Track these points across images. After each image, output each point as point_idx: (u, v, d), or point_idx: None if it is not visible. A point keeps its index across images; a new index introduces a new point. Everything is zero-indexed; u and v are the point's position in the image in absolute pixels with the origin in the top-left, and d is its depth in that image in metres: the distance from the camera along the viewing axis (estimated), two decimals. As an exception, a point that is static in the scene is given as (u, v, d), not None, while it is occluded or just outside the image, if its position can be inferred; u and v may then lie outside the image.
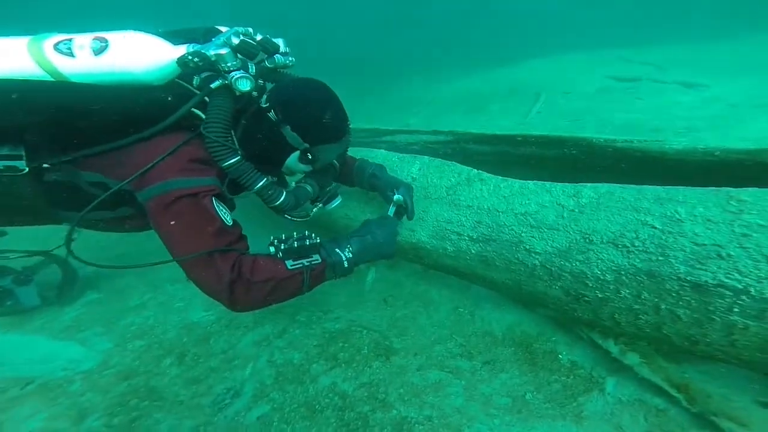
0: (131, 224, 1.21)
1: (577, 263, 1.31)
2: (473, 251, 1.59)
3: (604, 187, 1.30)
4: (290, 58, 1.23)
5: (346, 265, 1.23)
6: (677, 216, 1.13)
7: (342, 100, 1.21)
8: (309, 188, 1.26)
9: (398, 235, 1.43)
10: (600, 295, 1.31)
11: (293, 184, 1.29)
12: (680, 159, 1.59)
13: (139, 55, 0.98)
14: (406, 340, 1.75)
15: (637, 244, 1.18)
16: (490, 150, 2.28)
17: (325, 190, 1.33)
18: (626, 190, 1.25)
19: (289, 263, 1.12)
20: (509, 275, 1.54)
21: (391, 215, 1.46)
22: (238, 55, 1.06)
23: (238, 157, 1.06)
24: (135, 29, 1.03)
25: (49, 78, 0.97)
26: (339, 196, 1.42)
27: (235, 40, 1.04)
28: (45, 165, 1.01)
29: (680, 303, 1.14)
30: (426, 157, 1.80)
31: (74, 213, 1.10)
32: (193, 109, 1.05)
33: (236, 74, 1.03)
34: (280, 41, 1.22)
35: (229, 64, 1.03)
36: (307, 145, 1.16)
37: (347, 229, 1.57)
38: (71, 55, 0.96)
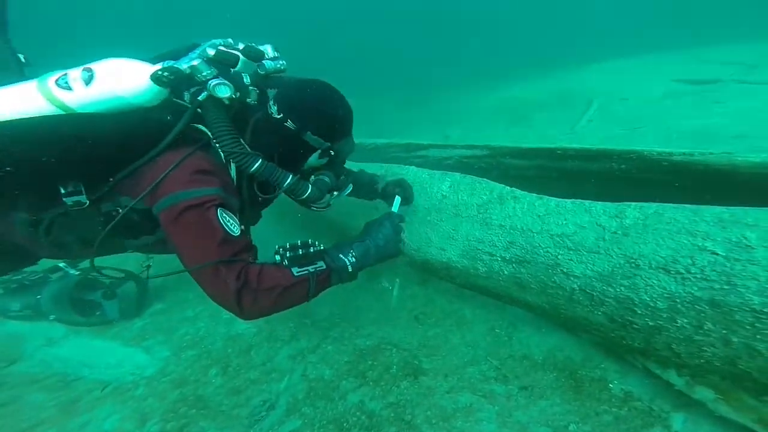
0: (172, 246, 1.28)
1: (622, 288, 1.19)
2: (506, 272, 1.52)
3: (651, 206, 1.18)
4: (281, 62, 1.23)
5: (350, 270, 1.26)
6: (745, 242, 0.99)
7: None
8: (327, 179, 1.31)
9: (402, 230, 1.46)
10: (651, 323, 1.18)
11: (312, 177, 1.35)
12: (756, 174, 1.37)
13: (121, 79, 1.04)
14: (436, 360, 1.70)
15: (693, 271, 1.05)
16: (528, 164, 2.18)
17: (340, 179, 1.38)
18: (679, 210, 1.12)
19: (294, 270, 1.16)
20: (545, 299, 1.45)
21: (395, 211, 1.52)
22: (215, 65, 1.08)
23: (261, 160, 1.11)
24: (130, 56, 1.10)
25: (61, 113, 1.04)
26: (350, 184, 1.48)
27: (211, 51, 1.08)
28: (96, 196, 1.09)
29: (758, 337, 0.99)
30: (457, 174, 1.77)
31: (132, 240, 1.22)
32: (192, 124, 1.11)
33: (213, 82, 1.07)
34: (267, 47, 1.23)
35: (204, 74, 1.07)
36: (329, 144, 1.23)
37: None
38: (69, 88, 1.03)
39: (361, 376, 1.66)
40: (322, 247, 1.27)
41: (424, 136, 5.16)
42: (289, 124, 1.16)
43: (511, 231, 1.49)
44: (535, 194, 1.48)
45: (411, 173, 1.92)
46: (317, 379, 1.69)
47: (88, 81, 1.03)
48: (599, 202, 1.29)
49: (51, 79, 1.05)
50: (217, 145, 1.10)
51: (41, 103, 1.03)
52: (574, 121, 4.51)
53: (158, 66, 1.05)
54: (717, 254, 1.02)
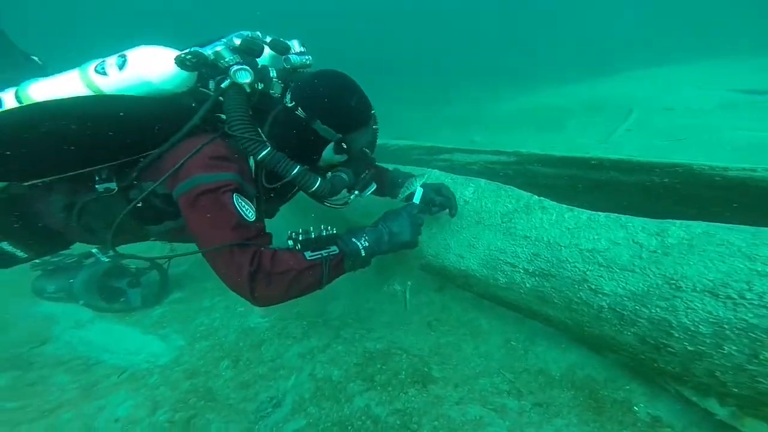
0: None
1: (658, 310, 1.10)
2: (528, 285, 1.43)
3: (699, 226, 1.07)
4: (307, 57, 1.23)
5: (363, 254, 1.22)
6: None
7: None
8: (344, 176, 1.25)
9: (421, 223, 1.39)
10: (690, 348, 1.08)
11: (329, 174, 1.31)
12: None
13: (151, 64, 1.07)
14: (447, 369, 1.64)
15: (749, 297, 0.95)
16: (559, 173, 2.07)
17: (360, 177, 1.33)
18: (734, 232, 1.01)
19: (307, 254, 1.13)
20: (569, 314, 1.36)
21: (418, 202, 1.44)
22: (239, 54, 1.10)
23: (269, 148, 1.09)
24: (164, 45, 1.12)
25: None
26: (374, 183, 1.42)
27: (237, 41, 1.10)
28: (125, 183, 1.11)
29: None
30: (482, 180, 1.70)
31: (154, 227, 1.23)
32: (215, 113, 1.11)
33: (235, 67, 1.07)
34: (294, 42, 1.24)
35: (227, 59, 1.08)
36: (340, 136, 1.18)
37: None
38: (105, 74, 1.08)
39: (369, 380, 1.62)
40: (334, 231, 1.24)
41: (449, 139, 5.07)
42: (299, 112, 1.14)
43: (537, 243, 1.40)
44: (565, 205, 1.39)
45: (433, 177, 1.86)
46: (325, 379, 1.66)
47: (122, 66, 1.07)
48: (638, 218, 1.19)
49: (91, 66, 1.10)
50: (229, 130, 1.08)
51: (80, 88, 1.09)
52: (608, 129, 4.27)
53: (183, 51, 1.08)
54: None
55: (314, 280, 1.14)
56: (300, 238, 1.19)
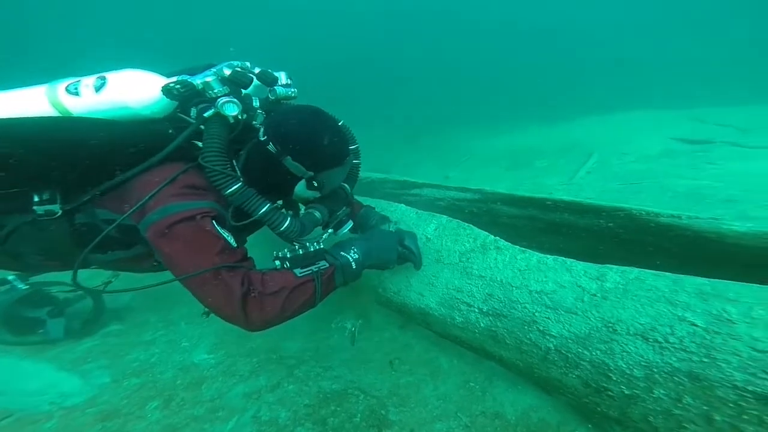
0: (148, 263, 1.19)
1: (598, 353, 1.12)
2: (482, 325, 1.43)
3: (633, 272, 1.12)
4: (292, 90, 1.23)
5: (354, 267, 1.18)
6: (726, 316, 0.93)
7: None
8: (317, 214, 1.21)
9: (399, 248, 1.38)
10: (627, 392, 1.10)
11: (303, 209, 1.27)
12: (742, 245, 1.33)
13: (133, 89, 1.03)
14: (404, 412, 1.57)
15: (672, 341, 0.99)
16: (519, 213, 2.15)
17: (336, 215, 1.30)
18: (660, 278, 1.06)
19: (297, 271, 1.09)
20: (520, 356, 1.35)
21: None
22: (228, 84, 1.08)
23: (240, 184, 1.05)
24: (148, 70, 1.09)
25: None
26: (350, 221, 1.39)
27: (227, 71, 1.09)
28: (71, 207, 1.04)
29: (744, 416, 0.92)
30: (444, 216, 1.73)
31: (99, 255, 1.13)
32: (193, 141, 1.07)
33: (223, 99, 1.06)
34: (281, 74, 1.23)
35: (216, 91, 1.06)
36: (311, 173, 1.14)
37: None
38: (77, 94, 1.02)
39: (321, 423, 1.53)
40: (322, 246, 1.19)
41: (425, 174, 5.21)
42: (270, 147, 1.10)
43: (491, 283, 1.42)
44: (518, 247, 1.43)
45: (399, 211, 1.88)
46: (270, 422, 1.54)
47: (99, 88, 1.02)
48: (581, 263, 1.24)
49: (62, 84, 1.05)
50: (202, 161, 1.04)
51: (44, 107, 1.02)
52: (573, 171, 4.55)
53: (173, 79, 1.05)
54: (696, 326, 0.97)
55: (308, 296, 1.09)
56: (287, 257, 1.14)
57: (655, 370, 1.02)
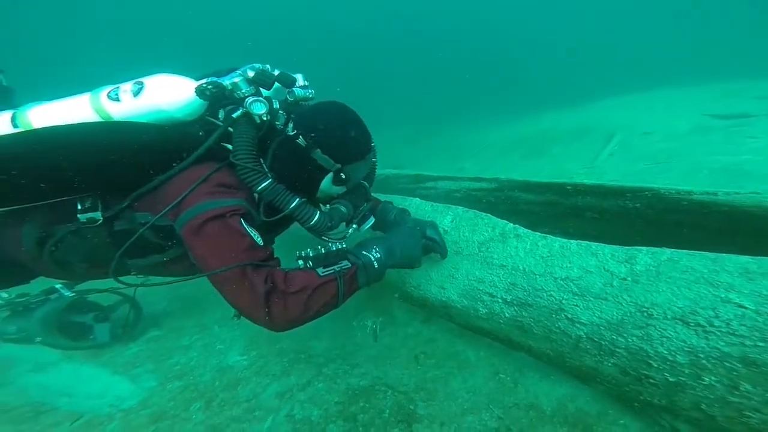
0: (183, 266, 1.22)
1: (634, 339, 1.08)
2: (507, 315, 1.41)
3: (665, 253, 1.07)
4: (310, 91, 1.26)
5: (376, 266, 1.19)
6: None
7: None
8: (343, 209, 1.24)
9: (424, 244, 1.38)
10: (671, 379, 1.05)
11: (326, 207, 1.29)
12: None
13: (167, 92, 1.08)
14: (433, 405, 1.57)
15: (717, 324, 0.93)
16: (538, 199, 2.09)
17: (359, 210, 1.31)
18: (695, 258, 1.01)
19: (320, 271, 1.11)
20: (549, 345, 1.32)
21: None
22: (253, 85, 1.12)
23: (270, 180, 1.08)
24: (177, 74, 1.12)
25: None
26: (372, 217, 1.41)
27: (251, 73, 1.12)
28: (111, 213, 1.08)
29: None
30: (460, 207, 1.71)
31: (139, 260, 1.19)
32: (222, 143, 1.11)
33: (250, 99, 1.09)
34: (299, 75, 1.26)
35: (243, 91, 1.11)
36: (339, 166, 1.18)
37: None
38: (118, 100, 1.07)
39: (351, 419, 1.55)
40: (344, 245, 1.22)
41: (439, 167, 5.16)
42: (300, 140, 1.14)
43: (513, 272, 1.39)
44: (539, 234, 1.40)
45: (414, 205, 1.88)
46: (303, 420, 1.58)
47: (137, 93, 1.07)
48: (607, 246, 1.19)
49: (104, 91, 1.10)
50: (234, 159, 1.07)
51: (89, 114, 1.08)
52: (593, 155, 4.38)
53: (203, 81, 1.09)
54: (745, 308, 0.90)
55: (330, 296, 1.10)
56: (310, 256, 1.17)
57: (702, 355, 0.97)
